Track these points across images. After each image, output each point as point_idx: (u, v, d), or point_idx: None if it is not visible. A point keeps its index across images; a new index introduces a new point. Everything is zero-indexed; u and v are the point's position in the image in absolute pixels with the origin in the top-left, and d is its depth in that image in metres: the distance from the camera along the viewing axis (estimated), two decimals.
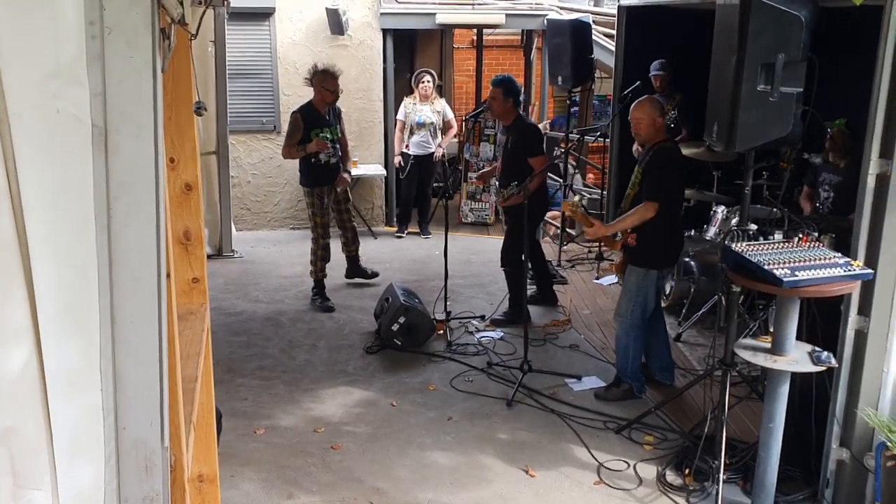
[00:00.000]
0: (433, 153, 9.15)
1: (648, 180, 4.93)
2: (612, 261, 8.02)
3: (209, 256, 7.88)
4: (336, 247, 7.22)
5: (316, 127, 6.76)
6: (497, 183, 6.63)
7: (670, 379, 5.38)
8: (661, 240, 4.95)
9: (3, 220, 1.54)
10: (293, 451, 4.66)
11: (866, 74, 3.62)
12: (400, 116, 9.21)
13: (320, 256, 7.01)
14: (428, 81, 9.09)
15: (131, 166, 1.64)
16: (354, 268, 7.55)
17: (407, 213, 9.45)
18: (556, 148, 8.42)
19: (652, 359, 5.40)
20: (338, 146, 6.91)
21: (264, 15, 9.10)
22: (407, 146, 9.13)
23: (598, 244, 8.11)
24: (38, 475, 1.68)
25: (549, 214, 8.06)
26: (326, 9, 8.87)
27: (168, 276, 1.80)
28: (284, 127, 9.20)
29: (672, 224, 4.98)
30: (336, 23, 8.92)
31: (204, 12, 2.34)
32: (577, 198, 5.03)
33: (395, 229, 9.53)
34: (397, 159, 9.26)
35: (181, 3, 2.02)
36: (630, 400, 5.19)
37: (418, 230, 9.40)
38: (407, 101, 9.21)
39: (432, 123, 9.06)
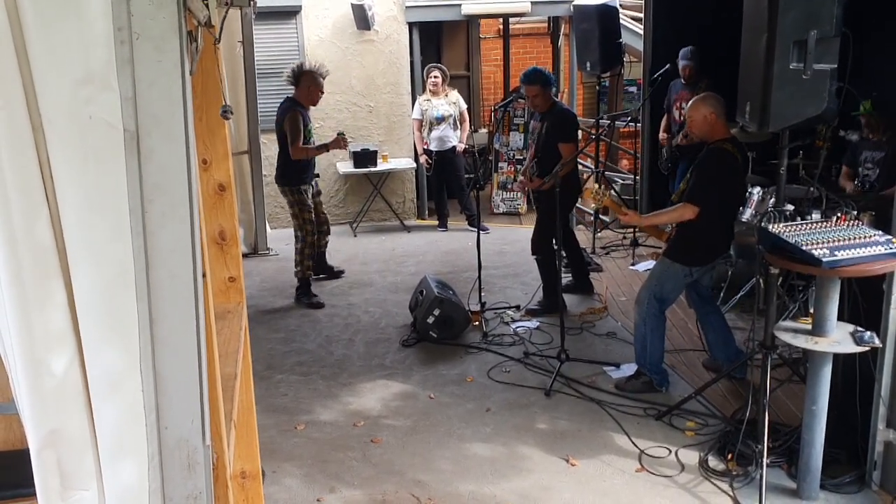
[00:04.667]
0: (454, 146, 9.11)
1: (693, 180, 4.79)
2: (649, 247, 8.00)
3: (244, 255, 8.00)
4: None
5: (307, 125, 6.92)
6: (534, 169, 6.52)
7: (741, 373, 5.05)
8: (697, 239, 4.79)
9: (42, 226, 1.57)
10: (334, 446, 4.69)
11: None
12: (416, 115, 9.19)
13: (308, 255, 7.00)
14: (436, 76, 9.06)
15: (164, 169, 1.65)
16: (322, 264, 7.56)
17: (443, 208, 9.43)
18: None
19: (716, 353, 5.24)
20: (312, 139, 7.05)
21: (291, 13, 9.15)
22: (426, 143, 9.12)
23: (632, 230, 8.04)
24: (85, 476, 1.71)
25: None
26: (352, 4, 8.89)
27: (204, 275, 1.82)
28: (315, 124, 9.29)
29: (713, 226, 4.77)
30: (362, 18, 8.94)
31: (226, 14, 2.35)
32: (600, 186, 4.92)
33: (437, 223, 9.50)
34: (423, 159, 9.26)
35: (207, 6, 2.03)
36: (651, 393, 5.05)
37: (468, 225, 9.07)
38: (420, 98, 9.20)
39: (451, 115, 9.05)
